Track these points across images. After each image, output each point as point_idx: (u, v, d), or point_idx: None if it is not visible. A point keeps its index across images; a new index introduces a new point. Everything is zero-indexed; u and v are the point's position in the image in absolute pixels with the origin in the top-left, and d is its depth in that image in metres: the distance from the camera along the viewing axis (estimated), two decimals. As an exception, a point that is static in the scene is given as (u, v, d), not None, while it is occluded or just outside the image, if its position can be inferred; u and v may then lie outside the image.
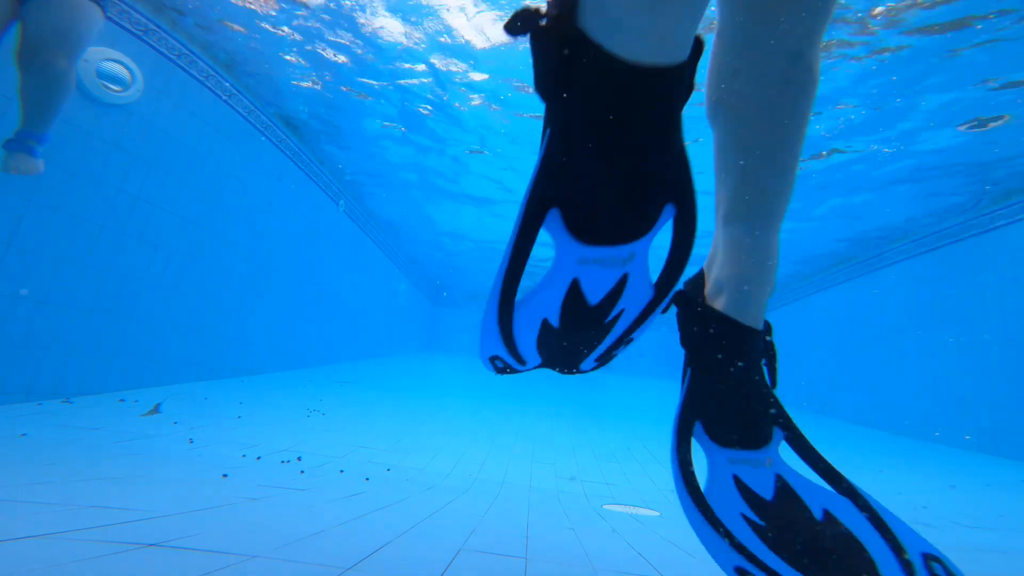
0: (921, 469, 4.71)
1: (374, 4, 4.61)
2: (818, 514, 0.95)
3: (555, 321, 0.81)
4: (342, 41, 5.11)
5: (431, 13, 4.67)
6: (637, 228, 0.66)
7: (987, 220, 6.23)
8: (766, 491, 0.99)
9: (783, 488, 1.00)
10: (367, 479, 2.82)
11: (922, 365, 6.81)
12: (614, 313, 0.80)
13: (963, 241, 6.55)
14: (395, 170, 8.15)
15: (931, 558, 0.90)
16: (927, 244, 7.14)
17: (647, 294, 0.80)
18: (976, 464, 5.05)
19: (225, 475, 2.42)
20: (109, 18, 4.06)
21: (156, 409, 4.18)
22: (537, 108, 5.86)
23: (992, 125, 5.13)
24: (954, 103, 4.94)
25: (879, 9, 4.03)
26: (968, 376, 6.04)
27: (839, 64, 4.62)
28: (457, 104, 6.07)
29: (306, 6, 4.64)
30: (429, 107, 6.19)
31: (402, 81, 5.72)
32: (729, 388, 0.97)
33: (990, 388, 5.72)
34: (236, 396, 4.92)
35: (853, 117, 5.40)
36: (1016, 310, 5.61)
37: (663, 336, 17.60)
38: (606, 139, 0.56)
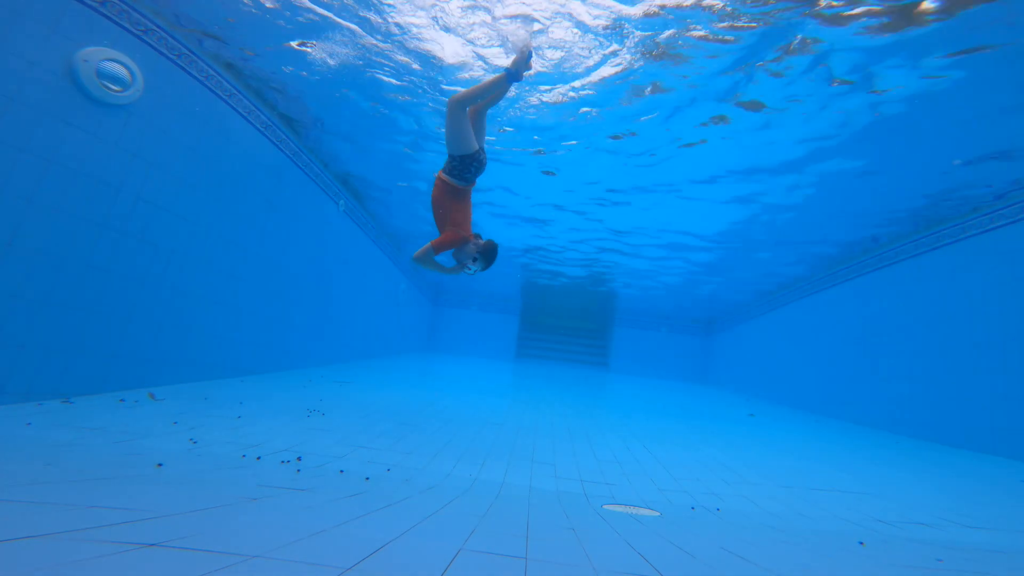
0: (920, 468, 4.72)
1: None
2: None
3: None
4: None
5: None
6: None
7: (987, 220, 6.23)
8: None
9: None
10: (367, 479, 2.82)
11: (921, 365, 6.82)
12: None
13: (963, 241, 6.56)
14: (394, 169, 8.17)
15: None
16: (926, 244, 7.14)
17: None
18: (976, 464, 5.05)
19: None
20: (109, 18, 4.07)
21: (152, 396, 4.20)
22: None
23: None
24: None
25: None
26: (968, 376, 6.05)
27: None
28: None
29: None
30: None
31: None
32: None
33: (990, 388, 5.72)
34: (236, 396, 4.92)
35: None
36: (1016, 310, 5.61)
37: (663, 338, 17.61)
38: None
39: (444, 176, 3.38)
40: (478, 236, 3.43)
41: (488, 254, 3.38)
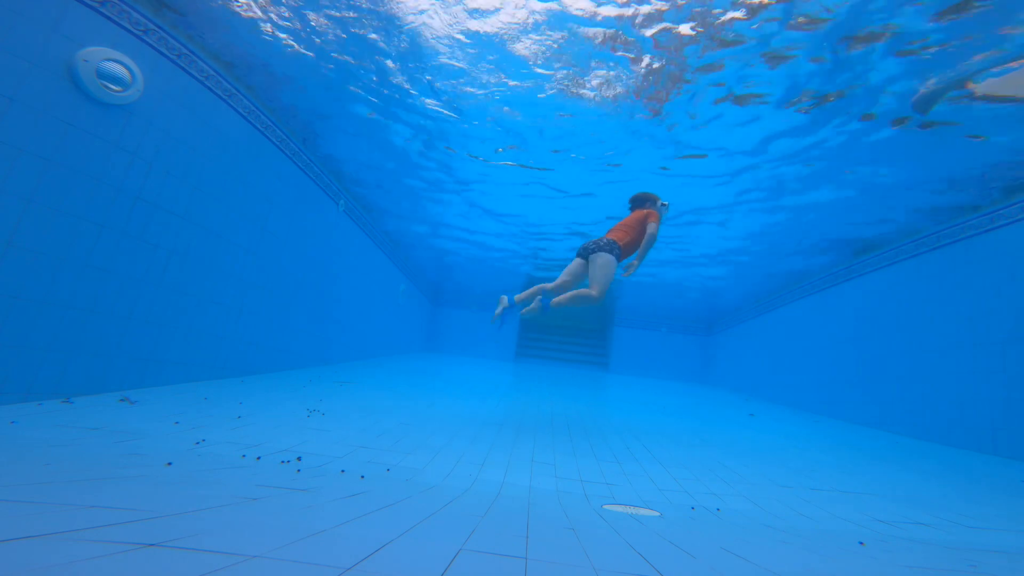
0: (920, 468, 4.71)
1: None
2: None
3: None
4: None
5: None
6: None
7: (987, 220, 6.23)
8: None
9: None
10: (362, 477, 2.82)
11: (922, 364, 6.81)
12: None
13: (962, 241, 6.55)
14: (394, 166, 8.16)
15: None
16: (927, 244, 7.14)
17: None
18: (976, 464, 5.05)
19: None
20: (109, 18, 4.07)
21: (127, 399, 4.18)
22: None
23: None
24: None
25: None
26: (968, 376, 6.04)
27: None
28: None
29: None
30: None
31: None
32: None
33: (990, 388, 5.72)
34: (236, 396, 4.92)
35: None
36: (1017, 310, 5.60)
37: (663, 338, 17.60)
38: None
39: (612, 253, 4.86)
40: (645, 207, 5.19)
41: (655, 196, 5.21)
